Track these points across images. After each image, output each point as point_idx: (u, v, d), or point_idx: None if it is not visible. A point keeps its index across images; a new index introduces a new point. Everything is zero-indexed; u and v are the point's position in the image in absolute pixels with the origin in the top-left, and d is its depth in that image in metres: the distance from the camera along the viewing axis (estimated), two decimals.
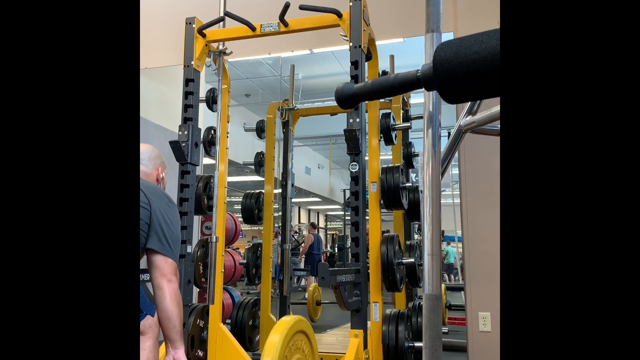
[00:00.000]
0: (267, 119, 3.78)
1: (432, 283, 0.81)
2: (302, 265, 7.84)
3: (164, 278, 1.51)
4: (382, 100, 3.29)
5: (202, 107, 3.28)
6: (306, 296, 5.12)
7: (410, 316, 2.65)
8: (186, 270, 2.56)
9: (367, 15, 2.53)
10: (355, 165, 2.36)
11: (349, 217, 2.50)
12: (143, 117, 3.60)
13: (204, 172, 3.55)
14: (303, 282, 9.10)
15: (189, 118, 2.67)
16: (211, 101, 3.34)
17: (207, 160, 3.74)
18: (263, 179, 3.72)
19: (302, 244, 8.46)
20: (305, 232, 9.90)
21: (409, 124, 3.54)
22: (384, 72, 3.35)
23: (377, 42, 2.81)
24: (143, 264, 2.36)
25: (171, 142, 2.58)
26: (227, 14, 2.79)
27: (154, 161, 1.80)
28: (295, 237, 9.13)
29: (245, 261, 3.43)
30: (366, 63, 2.55)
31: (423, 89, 0.70)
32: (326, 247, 15.28)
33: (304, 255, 8.06)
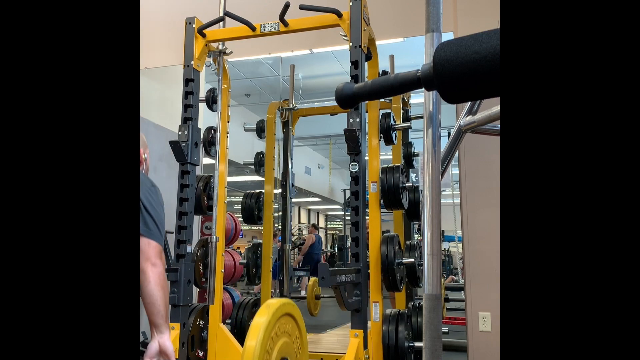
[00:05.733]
0: (267, 118, 3.78)
1: (432, 283, 0.81)
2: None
3: (148, 262, 1.45)
4: (382, 100, 3.29)
5: (202, 107, 3.28)
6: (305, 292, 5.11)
7: (410, 316, 2.65)
8: (186, 270, 2.56)
9: (367, 15, 2.53)
10: (355, 165, 2.36)
11: (349, 217, 2.50)
12: (143, 117, 3.60)
13: (204, 172, 3.55)
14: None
15: (189, 118, 2.67)
16: (211, 101, 3.34)
17: (207, 160, 3.74)
18: (263, 179, 3.72)
19: (300, 245, 8.45)
20: (305, 232, 9.88)
21: (409, 124, 3.54)
22: (384, 72, 3.35)
23: (377, 42, 2.81)
24: None
25: (171, 142, 2.58)
26: (227, 13, 2.79)
27: None
28: (293, 239, 9.14)
29: (245, 261, 3.43)
30: (366, 63, 2.55)
31: (423, 89, 0.70)
32: (326, 247, 15.28)
33: (302, 256, 8.06)
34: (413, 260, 2.60)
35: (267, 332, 0.94)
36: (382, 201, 2.66)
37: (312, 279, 5.18)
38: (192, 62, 2.73)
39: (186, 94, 2.70)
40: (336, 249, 13.12)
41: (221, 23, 2.85)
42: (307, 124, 4.22)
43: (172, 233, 2.67)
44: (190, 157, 2.62)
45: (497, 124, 1.05)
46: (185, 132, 2.63)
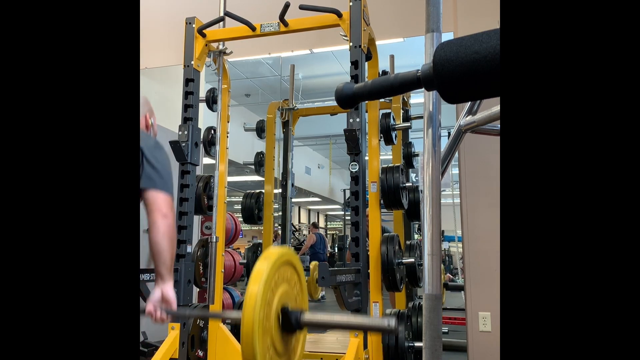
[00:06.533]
0: (267, 118, 3.78)
1: (432, 283, 0.81)
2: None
3: (159, 213, 1.41)
4: (382, 100, 3.29)
5: (202, 107, 3.28)
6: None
7: (410, 316, 2.64)
8: (186, 270, 2.56)
9: (367, 15, 2.53)
10: (355, 165, 2.36)
11: (349, 217, 2.50)
12: None
13: (204, 172, 3.55)
14: None
15: (189, 118, 2.67)
16: (211, 101, 3.34)
17: (207, 160, 3.74)
18: (263, 179, 3.73)
19: (303, 242, 8.44)
20: (305, 232, 9.86)
21: (409, 124, 3.54)
22: (384, 72, 3.35)
23: (377, 42, 2.81)
24: (143, 263, 2.36)
25: (171, 142, 2.58)
26: (227, 13, 2.79)
27: (140, 108, 1.63)
28: (296, 234, 9.11)
29: (245, 261, 3.43)
30: (366, 63, 2.55)
31: (423, 89, 0.70)
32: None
33: (306, 255, 8.06)
34: (413, 260, 2.60)
35: (269, 279, 0.98)
36: (382, 201, 2.66)
37: (313, 262, 5.15)
38: (192, 62, 2.73)
39: (186, 94, 2.70)
40: (336, 249, 13.11)
41: (221, 23, 2.85)
42: (307, 124, 4.23)
43: None
44: (190, 157, 2.62)
45: (497, 124, 1.05)
46: (185, 132, 2.63)
